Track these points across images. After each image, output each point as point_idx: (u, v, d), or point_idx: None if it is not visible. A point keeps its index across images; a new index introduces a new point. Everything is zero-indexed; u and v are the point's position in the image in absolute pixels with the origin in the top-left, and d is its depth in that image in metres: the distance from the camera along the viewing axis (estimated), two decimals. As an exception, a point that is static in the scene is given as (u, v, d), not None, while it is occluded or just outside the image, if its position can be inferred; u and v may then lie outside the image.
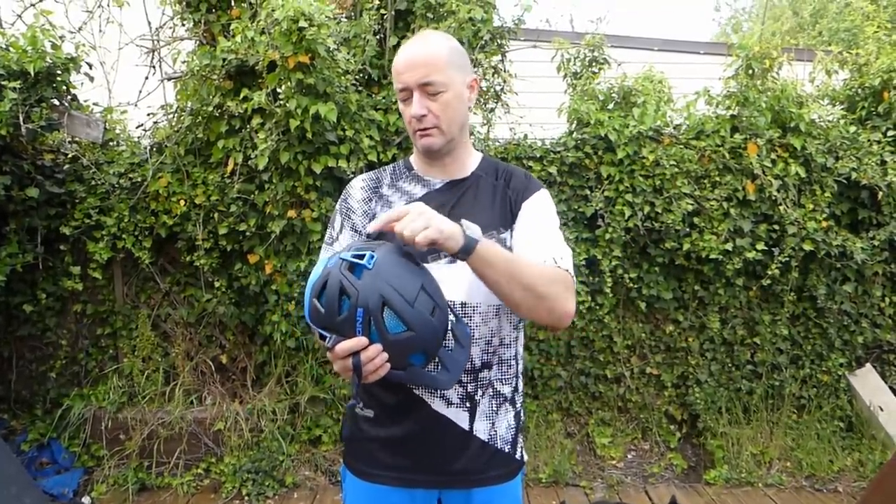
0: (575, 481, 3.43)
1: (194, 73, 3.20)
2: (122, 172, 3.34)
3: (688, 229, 3.49)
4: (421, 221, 1.04)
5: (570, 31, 4.56)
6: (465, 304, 1.25)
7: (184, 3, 3.42)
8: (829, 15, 11.47)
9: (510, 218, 1.30)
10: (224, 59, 3.10)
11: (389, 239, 1.10)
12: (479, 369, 1.28)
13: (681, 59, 5.91)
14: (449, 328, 1.13)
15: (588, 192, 3.54)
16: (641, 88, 3.69)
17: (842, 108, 3.88)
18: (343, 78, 3.12)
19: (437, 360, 1.13)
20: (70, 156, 3.28)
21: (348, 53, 3.17)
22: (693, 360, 3.69)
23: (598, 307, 3.56)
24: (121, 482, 3.25)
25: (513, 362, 1.34)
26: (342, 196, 1.41)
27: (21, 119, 2.94)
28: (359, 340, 1.02)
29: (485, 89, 3.67)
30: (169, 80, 3.63)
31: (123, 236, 3.31)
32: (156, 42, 3.60)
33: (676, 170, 3.44)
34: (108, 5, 3.43)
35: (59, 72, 3.08)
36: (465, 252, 1.08)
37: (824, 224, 3.52)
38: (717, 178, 3.49)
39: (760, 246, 3.47)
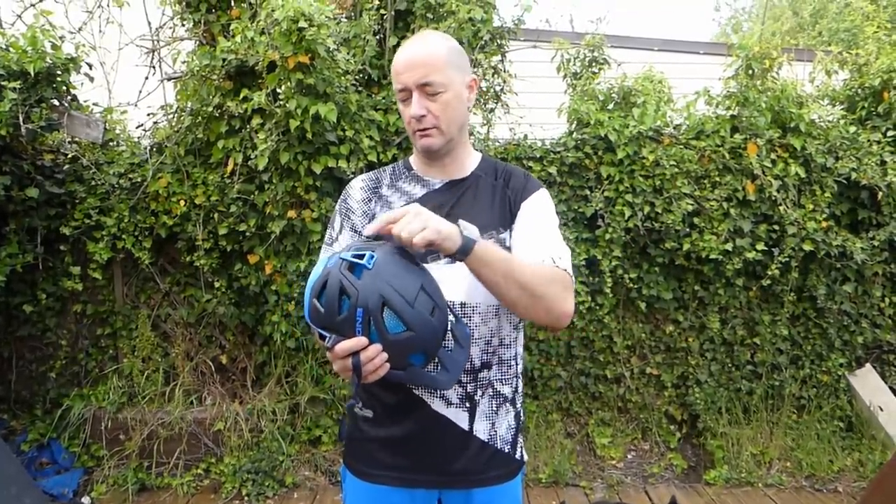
0: (575, 481, 3.43)
1: (194, 73, 3.20)
2: (122, 173, 3.34)
3: (688, 229, 3.49)
4: (418, 223, 1.04)
5: (569, 31, 4.56)
6: (465, 304, 1.25)
7: (184, 4, 3.42)
8: (829, 15, 11.47)
9: (509, 218, 1.30)
10: (224, 60, 3.10)
11: (388, 240, 1.10)
12: (478, 369, 1.28)
13: (681, 59, 5.91)
14: (448, 328, 1.13)
15: (588, 192, 3.54)
16: (641, 88, 3.69)
17: (842, 109, 3.88)
18: (343, 78, 3.12)
19: (436, 360, 1.13)
20: (70, 156, 3.29)
21: (348, 54, 3.17)
22: (693, 360, 3.69)
23: (598, 307, 3.56)
24: (120, 482, 3.25)
25: (513, 362, 1.34)
26: (342, 196, 1.41)
27: (21, 119, 2.94)
28: (358, 340, 1.02)
29: (485, 89, 3.67)
30: (169, 80, 3.63)
31: (123, 236, 3.31)
32: (156, 42, 3.60)
33: (676, 170, 3.44)
34: (108, 5, 3.43)
35: (59, 72, 3.08)
36: (462, 252, 1.08)
37: (824, 224, 3.52)
38: (717, 179, 3.49)
39: (760, 246, 3.47)
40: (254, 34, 3.02)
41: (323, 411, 3.49)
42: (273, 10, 2.92)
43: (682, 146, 3.51)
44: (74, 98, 3.28)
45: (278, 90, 2.97)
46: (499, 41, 3.63)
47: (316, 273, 1.08)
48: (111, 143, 3.51)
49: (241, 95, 3.10)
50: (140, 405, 3.38)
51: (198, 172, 3.29)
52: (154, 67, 3.61)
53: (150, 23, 3.58)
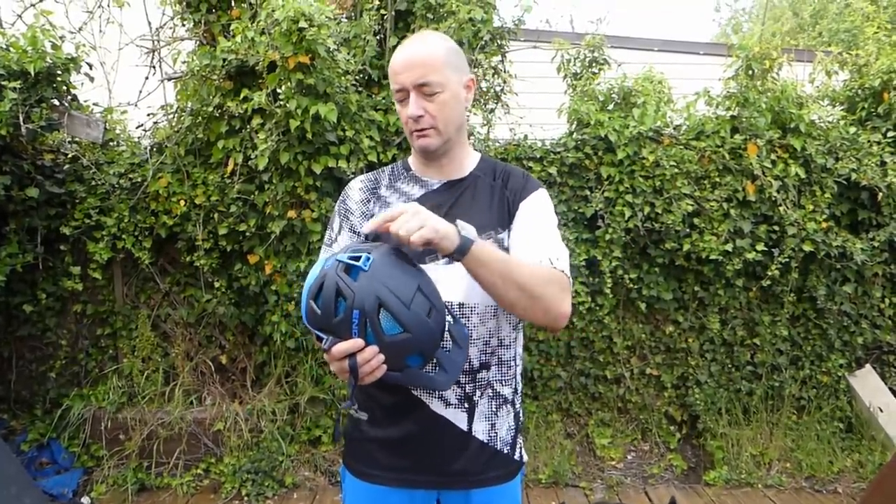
0: (574, 482, 3.43)
1: (194, 73, 3.20)
2: (122, 172, 3.34)
3: (688, 230, 3.49)
4: (416, 221, 1.04)
5: (570, 31, 4.57)
6: (463, 304, 1.25)
7: (184, 4, 3.42)
8: (829, 16, 11.47)
9: (507, 218, 1.30)
10: (224, 60, 3.10)
11: (386, 239, 1.10)
12: (477, 370, 1.28)
13: (681, 59, 5.91)
14: (446, 329, 1.13)
15: (588, 192, 3.54)
16: (641, 89, 3.69)
17: (842, 109, 3.88)
18: (343, 78, 3.12)
19: (434, 361, 1.13)
20: (70, 156, 3.29)
21: (348, 54, 3.17)
22: (693, 360, 3.69)
23: (598, 308, 3.56)
24: (120, 482, 3.25)
25: (512, 363, 1.34)
26: (341, 197, 1.41)
27: (21, 119, 2.94)
28: (355, 342, 1.02)
29: (485, 90, 3.67)
30: (169, 80, 3.63)
31: (123, 236, 3.31)
32: (156, 42, 3.60)
33: (676, 170, 3.44)
34: (109, 5, 3.43)
35: (59, 72, 3.08)
36: (460, 252, 1.08)
37: (824, 225, 3.52)
38: (717, 179, 3.49)
39: (760, 247, 3.47)
40: (254, 34, 3.02)
41: (323, 411, 3.49)
42: (273, 11, 2.92)
43: (682, 147, 3.51)
44: (75, 98, 3.28)
45: (278, 90, 2.97)
46: (499, 41, 3.63)
47: (313, 275, 1.08)
48: (111, 143, 3.51)
49: (242, 95, 3.10)
50: (140, 405, 3.38)
51: (198, 172, 3.29)
52: (154, 67, 3.61)
53: (150, 23, 3.58)
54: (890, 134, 3.64)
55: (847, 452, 3.63)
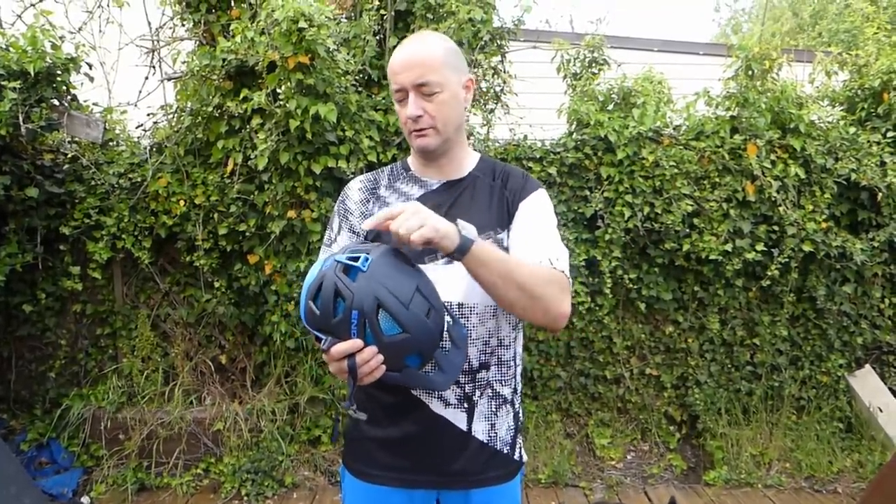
0: (574, 482, 3.43)
1: (194, 73, 3.20)
2: (122, 172, 3.34)
3: (687, 230, 3.49)
4: (416, 220, 1.04)
5: (569, 31, 4.57)
6: (463, 304, 1.25)
7: (184, 4, 3.42)
8: (829, 16, 11.47)
9: (507, 218, 1.30)
10: (224, 60, 3.10)
11: (386, 239, 1.10)
12: (476, 370, 1.28)
13: (680, 59, 5.91)
14: (445, 329, 1.13)
15: (588, 192, 3.54)
16: (641, 89, 3.69)
17: (841, 110, 3.87)
18: (343, 78, 3.12)
19: (432, 361, 1.13)
20: (70, 156, 3.29)
21: (348, 54, 3.17)
22: (692, 360, 3.69)
23: (597, 308, 3.56)
24: (120, 482, 3.25)
25: (511, 363, 1.34)
26: (340, 197, 1.41)
27: (21, 119, 2.94)
28: (354, 343, 1.02)
29: (485, 90, 3.67)
30: (169, 80, 3.63)
31: (123, 236, 3.31)
32: (156, 42, 3.60)
33: (676, 171, 3.44)
34: (108, 5, 3.43)
35: (59, 72, 3.08)
36: (460, 252, 1.08)
37: (824, 225, 3.52)
38: (717, 179, 3.49)
39: (760, 247, 3.47)
40: (254, 34, 3.02)
41: (322, 411, 3.49)
42: (273, 11, 2.92)
43: (681, 147, 3.51)
44: (74, 98, 3.28)
45: (278, 90, 2.98)
46: (499, 42, 3.63)
47: (311, 275, 1.08)
48: (111, 143, 3.51)
49: (241, 95, 3.10)
50: (139, 405, 3.38)
51: (198, 172, 3.29)
52: (154, 67, 3.61)
53: (150, 23, 3.58)
54: (890, 134, 3.64)
55: (847, 452, 3.63)
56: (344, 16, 3.46)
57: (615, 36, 4.85)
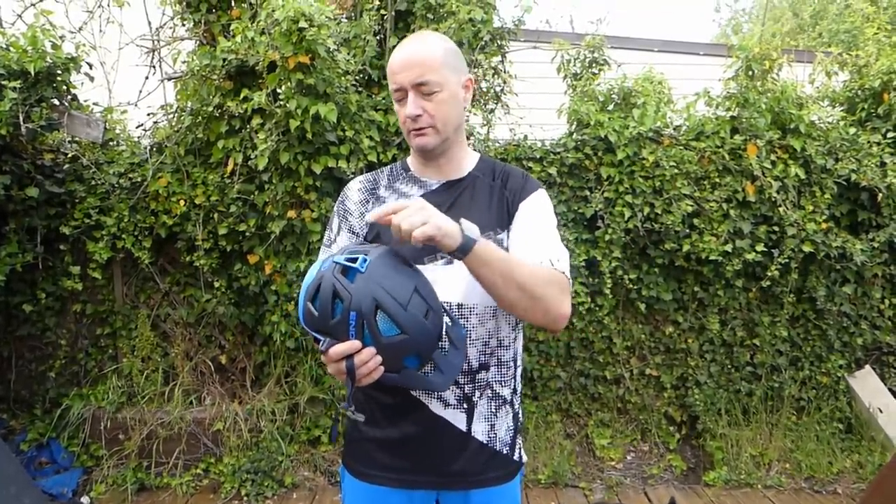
0: (574, 482, 3.43)
1: (194, 73, 3.20)
2: (122, 172, 3.34)
3: (687, 230, 3.49)
4: (420, 216, 1.03)
5: (570, 32, 4.57)
6: (462, 305, 1.25)
7: (184, 4, 3.42)
8: (830, 16, 11.47)
9: (507, 218, 1.30)
10: (224, 60, 3.11)
11: (386, 238, 1.10)
12: (476, 371, 1.28)
13: (681, 60, 5.91)
14: (444, 330, 1.13)
15: (588, 193, 3.54)
16: (641, 89, 3.69)
17: (842, 110, 3.88)
18: (343, 78, 3.12)
19: (431, 362, 1.13)
20: (70, 155, 3.29)
21: (348, 54, 3.17)
22: (692, 361, 3.69)
23: (597, 308, 3.56)
24: (120, 482, 3.25)
25: (511, 364, 1.34)
26: (339, 198, 1.41)
27: (21, 119, 2.95)
28: (352, 344, 1.02)
29: (485, 90, 3.67)
30: (169, 80, 3.63)
31: (123, 236, 3.31)
32: (156, 42, 3.60)
33: (676, 171, 3.44)
34: (109, 5, 3.44)
35: (59, 71, 3.08)
36: (462, 251, 1.08)
37: (824, 226, 3.52)
38: (717, 180, 3.49)
39: (760, 247, 3.47)
40: (254, 34, 3.02)
41: (322, 411, 3.49)
42: (273, 11, 2.92)
43: (681, 147, 3.51)
44: (74, 97, 3.28)
45: (278, 90, 2.98)
46: (499, 42, 3.63)
47: (310, 276, 1.08)
48: (111, 143, 3.51)
49: (242, 95, 3.10)
50: (139, 405, 3.38)
51: (198, 172, 3.29)
52: (154, 67, 3.61)
53: (150, 23, 3.58)
54: (890, 135, 3.64)
55: (847, 453, 3.63)
56: (344, 16, 3.46)
57: (615, 36, 4.85)
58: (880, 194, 3.50)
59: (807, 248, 3.49)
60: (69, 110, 3.17)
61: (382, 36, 3.40)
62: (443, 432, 1.27)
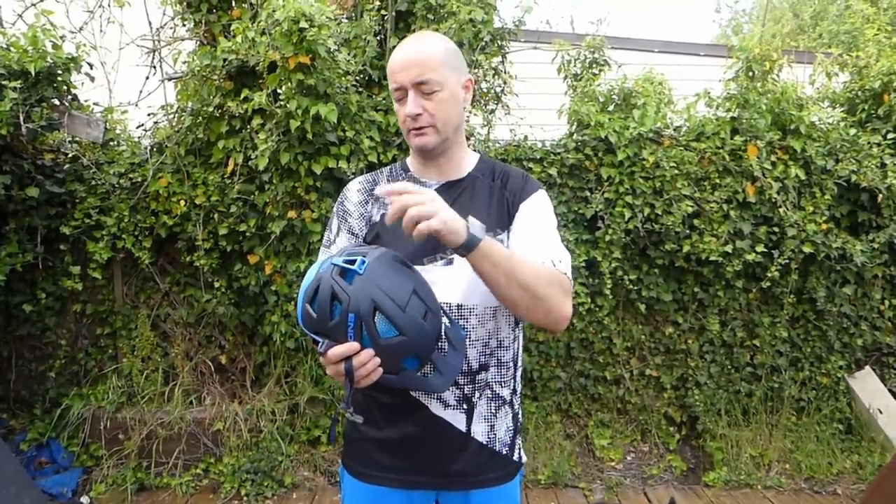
0: (574, 483, 3.43)
1: (195, 73, 3.20)
2: (123, 172, 3.35)
3: (688, 231, 3.49)
4: (430, 207, 1.02)
5: (570, 32, 4.57)
6: (462, 305, 1.25)
7: (184, 4, 3.42)
8: (830, 17, 11.47)
9: (507, 219, 1.30)
10: (224, 60, 3.11)
11: (385, 240, 1.09)
12: (476, 371, 1.28)
13: (681, 60, 5.91)
14: (442, 331, 1.12)
15: (588, 193, 3.54)
16: (642, 90, 3.69)
17: (842, 111, 3.88)
18: (343, 79, 3.12)
19: (430, 363, 1.13)
20: (70, 156, 3.29)
21: (349, 54, 3.18)
22: (692, 361, 3.69)
23: (597, 309, 3.56)
24: (119, 482, 3.25)
25: (511, 364, 1.34)
26: (339, 199, 1.41)
27: (21, 119, 2.95)
28: (350, 346, 1.02)
29: (485, 90, 3.67)
30: (169, 80, 3.63)
31: (123, 236, 3.31)
32: (156, 42, 3.60)
33: (676, 171, 3.44)
34: (109, 5, 3.43)
35: (59, 72, 3.09)
36: (466, 248, 1.07)
37: (824, 226, 3.52)
38: (717, 180, 3.49)
39: (760, 248, 3.47)
40: (254, 34, 3.02)
41: (322, 412, 3.49)
42: (274, 11, 2.92)
43: (682, 148, 3.51)
44: (75, 98, 3.28)
45: (279, 90, 2.98)
46: (499, 42, 3.63)
47: (308, 278, 1.08)
48: (111, 143, 3.51)
49: (242, 96, 3.10)
50: (139, 405, 3.38)
51: (198, 172, 3.29)
52: (155, 67, 3.61)
53: (150, 23, 3.58)
54: (890, 136, 3.64)
55: (846, 454, 3.63)
56: (345, 16, 3.46)
57: (616, 37, 4.85)
58: (880, 195, 3.50)
59: (807, 249, 3.49)
60: (69, 110, 3.17)
61: (383, 36, 3.40)
62: (442, 433, 1.27)
